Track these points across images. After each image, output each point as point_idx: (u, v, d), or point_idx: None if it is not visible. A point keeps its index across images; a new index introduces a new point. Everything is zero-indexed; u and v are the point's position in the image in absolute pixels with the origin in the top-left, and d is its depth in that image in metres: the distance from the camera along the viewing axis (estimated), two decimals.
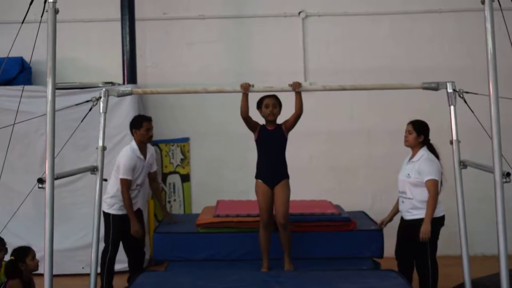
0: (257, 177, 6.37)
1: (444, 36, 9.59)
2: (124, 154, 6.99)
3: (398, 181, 6.61)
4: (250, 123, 6.28)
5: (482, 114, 5.27)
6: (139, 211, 7.31)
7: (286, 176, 6.35)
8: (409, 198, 6.40)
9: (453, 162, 5.50)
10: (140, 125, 7.10)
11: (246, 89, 6.01)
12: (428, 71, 8.99)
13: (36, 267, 6.05)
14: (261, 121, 6.39)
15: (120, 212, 7.03)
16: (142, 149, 7.13)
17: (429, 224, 6.16)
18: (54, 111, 4.71)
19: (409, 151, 6.71)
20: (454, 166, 5.45)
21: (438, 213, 6.30)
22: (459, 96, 5.52)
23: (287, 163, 6.38)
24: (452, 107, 5.54)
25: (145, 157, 7.17)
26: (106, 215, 6.98)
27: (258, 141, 6.33)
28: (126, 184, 6.91)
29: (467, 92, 5.51)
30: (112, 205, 7.01)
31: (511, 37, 5.13)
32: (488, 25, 4.63)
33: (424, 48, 9.57)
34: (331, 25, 9.67)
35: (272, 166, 6.30)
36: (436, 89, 5.73)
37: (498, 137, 4.55)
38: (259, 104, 6.35)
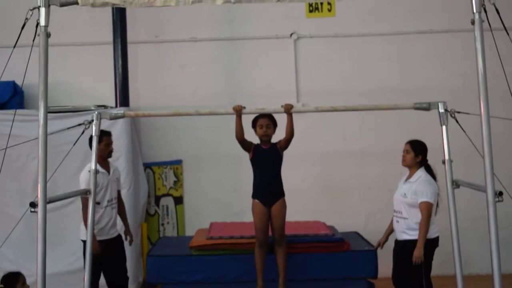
0: (253, 196, 6.36)
1: (435, 57, 9.64)
2: (82, 172, 6.76)
3: (393, 200, 6.60)
4: (245, 145, 6.29)
5: (474, 134, 5.28)
6: (119, 237, 7.10)
7: (283, 194, 6.36)
8: (404, 218, 6.37)
9: (445, 182, 5.50)
10: (100, 140, 6.88)
11: (238, 111, 6.02)
12: (420, 91, 9.02)
13: None
14: (256, 140, 6.39)
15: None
16: (104, 165, 6.91)
17: (422, 249, 6.14)
18: (46, 134, 4.70)
19: (402, 171, 6.71)
20: (447, 186, 5.46)
21: (432, 235, 6.28)
22: (451, 116, 5.54)
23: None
24: (444, 127, 5.55)
25: (108, 172, 6.99)
26: (83, 242, 6.59)
27: (253, 160, 6.33)
28: (84, 201, 6.52)
29: (458, 112, 5.53)
30: (83, 229, 6.64)
31: (502, 57, 5.17)
32: (478, 45, 4.64)
33: (416, 68, 9.62)
34: (323, 46, 9.71)
35: (268, 185, 6.30)
36: (427, 109, 5.75)
37: (490, 156, 4.55)
38: (254, 124, 6.37)
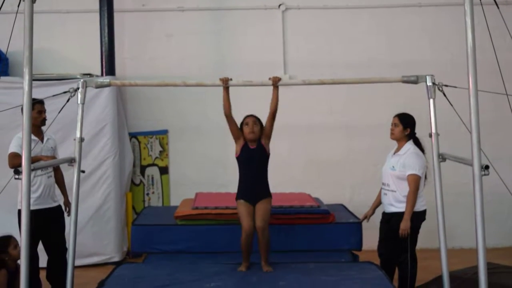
0: (238, 198, 6.18)
1: (424, 30, 9.63)
2: (14, 138, 6.67)
3: (382, 173, 6.61)
4: (232, 124, 6.10)
5: (461, 108, 5.27)
6: (58, 208, 6.94)
7: (268, 196, 6.19)
8: (392, 191, 6.40)
9: (432, 155, 5.51)
10: (32, 107, 6.75)
11: (225, 82, 5.94)
12: (408, 64, 9.02)
13: (19, 255, 5.94)
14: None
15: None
16: (36, 133, 6.67)
17: (409, 221, 6.18)
18: (31, 102, 4.68)
19: (388, 144, 6.72)
20: (433, 159, 5.46)
21: (419, 208, 6.32)
22: (438, 89, 5.52)
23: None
24: (431, 100, 5.53)
25: (41, 140, 6.83)
26: (18, 212, 6.31)
27: (239, 159, 6.18)
28: (16, 158, 6.34)
29: (446, 86, 5.51)
30: (20, 200, 6.15)
31: (491, 31, 5.15)
32: (468, 19, 4.62)
33: (404, 42, 9.61)
34: (310, 18, 9.67)
35: (254, 186, 6.14)
36: (415, 82, 5.73)
37: (477, 130, 4.55)
38: (241, 125, 6.21)
